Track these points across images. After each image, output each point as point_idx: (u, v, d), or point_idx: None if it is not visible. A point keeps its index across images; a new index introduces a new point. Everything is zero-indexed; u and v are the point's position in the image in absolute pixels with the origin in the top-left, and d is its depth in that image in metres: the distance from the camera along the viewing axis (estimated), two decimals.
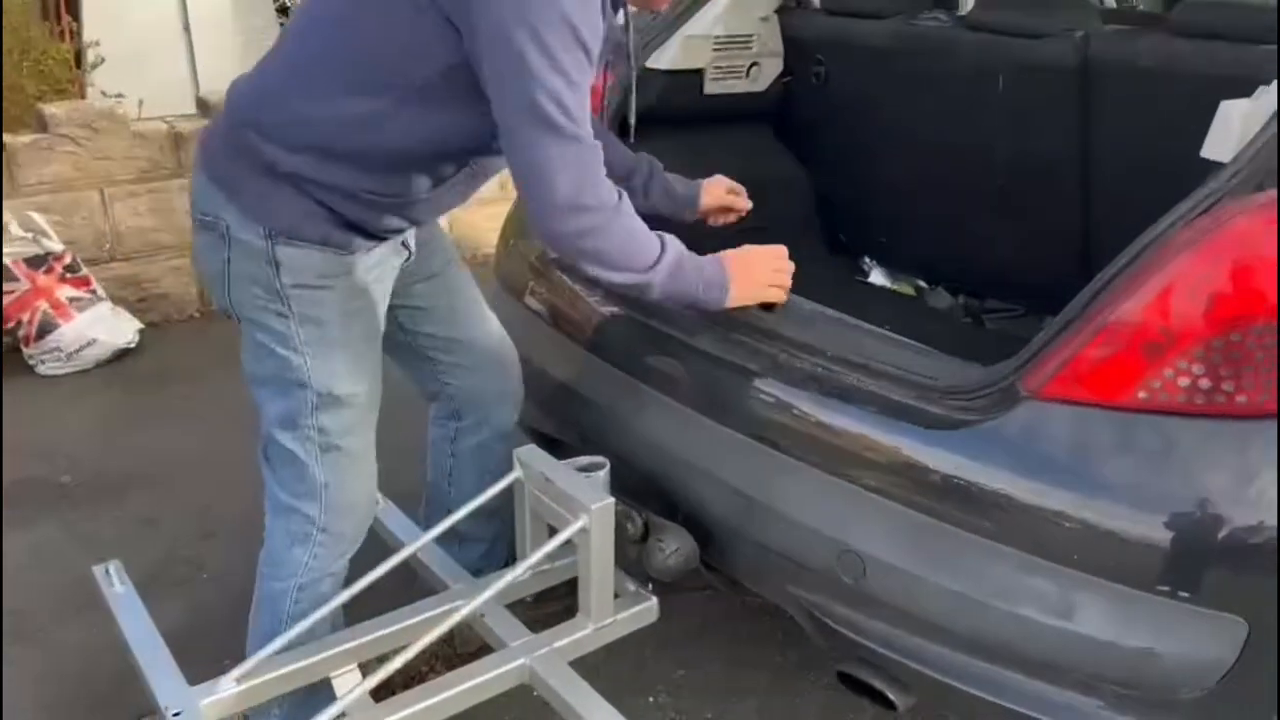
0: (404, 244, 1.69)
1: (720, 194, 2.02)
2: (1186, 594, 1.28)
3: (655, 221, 1.61)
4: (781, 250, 1.70)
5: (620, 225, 1.49)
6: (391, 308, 1.72)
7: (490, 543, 2.03)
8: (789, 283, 1.69)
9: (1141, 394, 1.29)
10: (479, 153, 1.56)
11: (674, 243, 1.56)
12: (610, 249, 1.49)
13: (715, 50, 2.41)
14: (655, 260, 1.53)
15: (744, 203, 2.04)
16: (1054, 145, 2.15)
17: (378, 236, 1.59)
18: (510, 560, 2.01)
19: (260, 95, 1.53)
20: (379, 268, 1.63)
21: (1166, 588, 1.29)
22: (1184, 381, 1.27)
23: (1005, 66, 2.16)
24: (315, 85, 1.48)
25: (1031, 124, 2.17)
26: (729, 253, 1.64)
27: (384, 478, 1.78)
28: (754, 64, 2.52)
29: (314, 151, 1.48)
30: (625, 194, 1.50)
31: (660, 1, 1.74)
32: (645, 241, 1.52)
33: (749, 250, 1.67)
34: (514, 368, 1.97)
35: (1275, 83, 1.39)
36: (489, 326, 1.93)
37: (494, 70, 1.36)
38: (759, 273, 1.66)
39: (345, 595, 1.61)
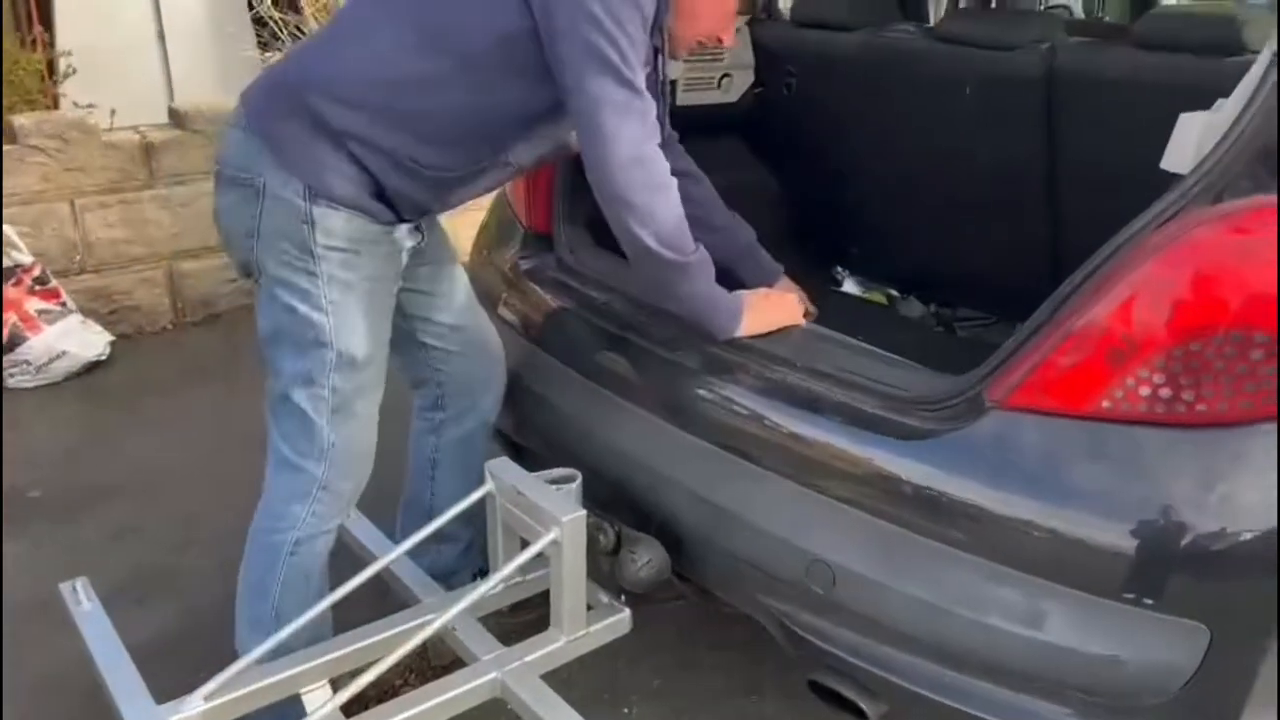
0: (418, 228, 1.75)
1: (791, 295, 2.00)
2: (1150, 601, 1.29)
3: None
4: (794, 301, 1.81)
5: (674, 196, 1.58)
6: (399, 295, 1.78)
7: (468, 543, 2.05)
8: (801, 321, 1.79)
9: (1105, 403, 1.30)
10: (522, 135, 1.65)
11: (705, 252, 1.65)
12: (664, 213, 1.57)
13: (686, 61, 2.42)
14: (695, 248, 1.62)
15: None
16: (1022, 155, 2.17)
17: (403, 217, 1.66)
18: (486, 564, 2.02)
19: (322, 54, 1.63)
20: (400, 246, 1.70)
21: (1131, 595, 1.30)
22: (1145, 390, 1.28)
23: (973, 77, 2.18)
24: (379, 44, 1.57)
25: (1000, 134, 2.20)
26: (748, 293, 1.76)
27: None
28: (725, 75, 2.53)
29: (370, 110, 1.55)
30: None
31: (726, 35, 1.78)
32: (685, 227, 1.60)
33: (768, 294, 1.81)
34: (501, 360, 2.02)
35: (1235, 94, 1.41)
36: (481, 318, 2.00)
37: (559, 26, 1.48)
38: (773, 318, 1.74)
39: (321, 606, 1.60)
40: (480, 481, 1.75)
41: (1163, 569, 1.29)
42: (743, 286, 1.83)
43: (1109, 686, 1.32)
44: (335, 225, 1.58)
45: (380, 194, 1.61)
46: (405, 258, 1.74)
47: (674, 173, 1.72)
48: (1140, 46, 1.93)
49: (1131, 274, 1.32)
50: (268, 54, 5.80)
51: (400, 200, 1.64)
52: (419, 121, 1.58)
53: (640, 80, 1.53)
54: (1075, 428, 1.32)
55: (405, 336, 1.89)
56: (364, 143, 1.56)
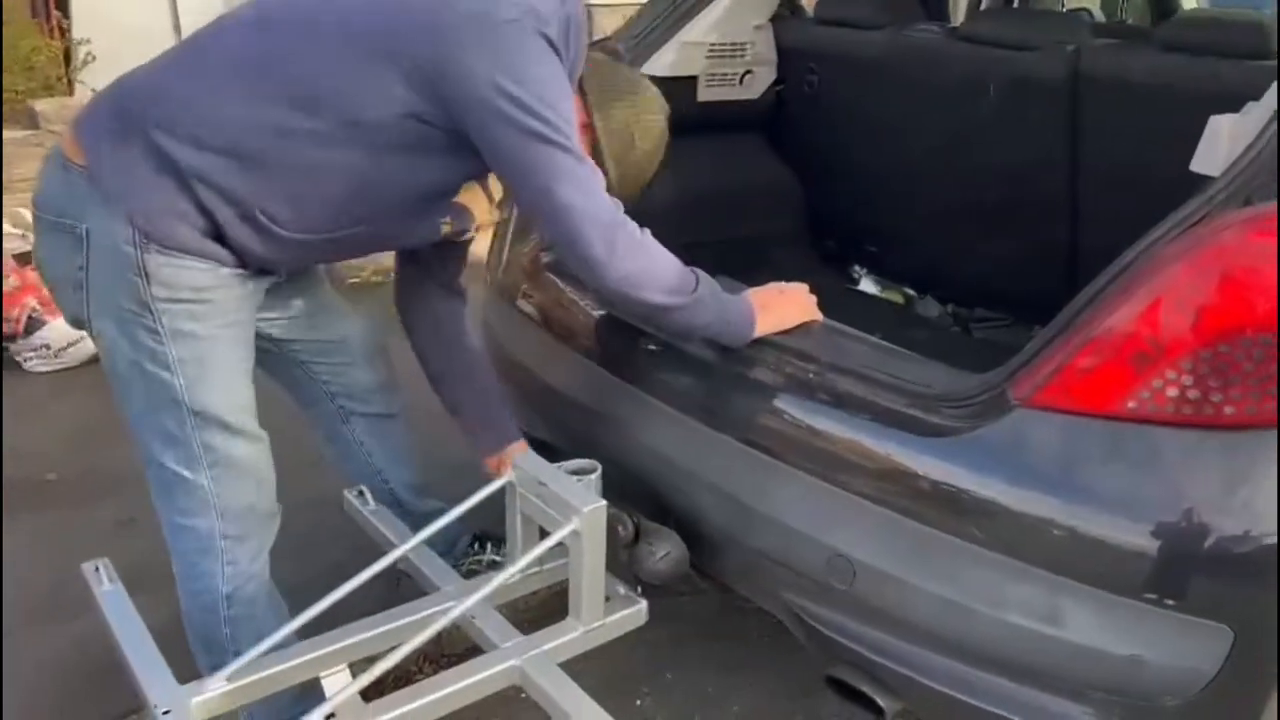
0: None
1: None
2: (1173, 602, 1.29)
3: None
4: (807, 296, 1.75)
5: (653, 248, 1.53)
6: (271, 343, 1.73)
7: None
8: (818, 315, 1.74)
9: (1130, 404, 1.30)
10: (394, 209, 1.55)
11: (702, 273, 1.60)
12: (653, 268, 1.51)
13: (709, 57, 2.43)
14: (695, 283, 1.56)
15: None
16: (1043, 157, 2.18)
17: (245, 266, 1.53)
18: (483, 531, 2.07)
19: (177, 89, 1.46)
20: (252, 281, 1.57)
21: (1153, 595, 1.30)
22: (1173, 392, 1.28)
23: (996, 78, 2.18)
24: (257, 86, 1.43)
25: (1021, 135, 2.20)
26: (757, 292, 1.70)
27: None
28: (748, 72, 2.53)
29: (227, 155, 1.42)
30: None
31: None
32: (678, 264, 1.55)
33: (775, 289, 1.73)
34: (384, 354, 1.96)
35: (1265, 98, 1.42)
36: (351, 322, 1.91)
37: (487, 114, 1.39)
38: (788, 315, 1.70)
39: (337, 594, 1.60)
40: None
41: (1187, 569, 1.29)
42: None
43: (1129, 686, 1.32)
44: (175, 275, 1.44)
45: (222, 240, 1.47)
46: (261, 295, 1.61)
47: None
48: (1166, 49, 1.93)
49: (1159, 276, 1.32)
50: None
51: (250, 254, 1.50)
52: (275, 173, 1.44)
53: (578, 147, 1.45)
54: (1100, 427, 1.32)
55: (283, 361, 1.82)
56: (214, 188, 1.42)
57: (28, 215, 3.42)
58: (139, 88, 1.48)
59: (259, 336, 1.66)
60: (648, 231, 1.54)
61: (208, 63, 1.49)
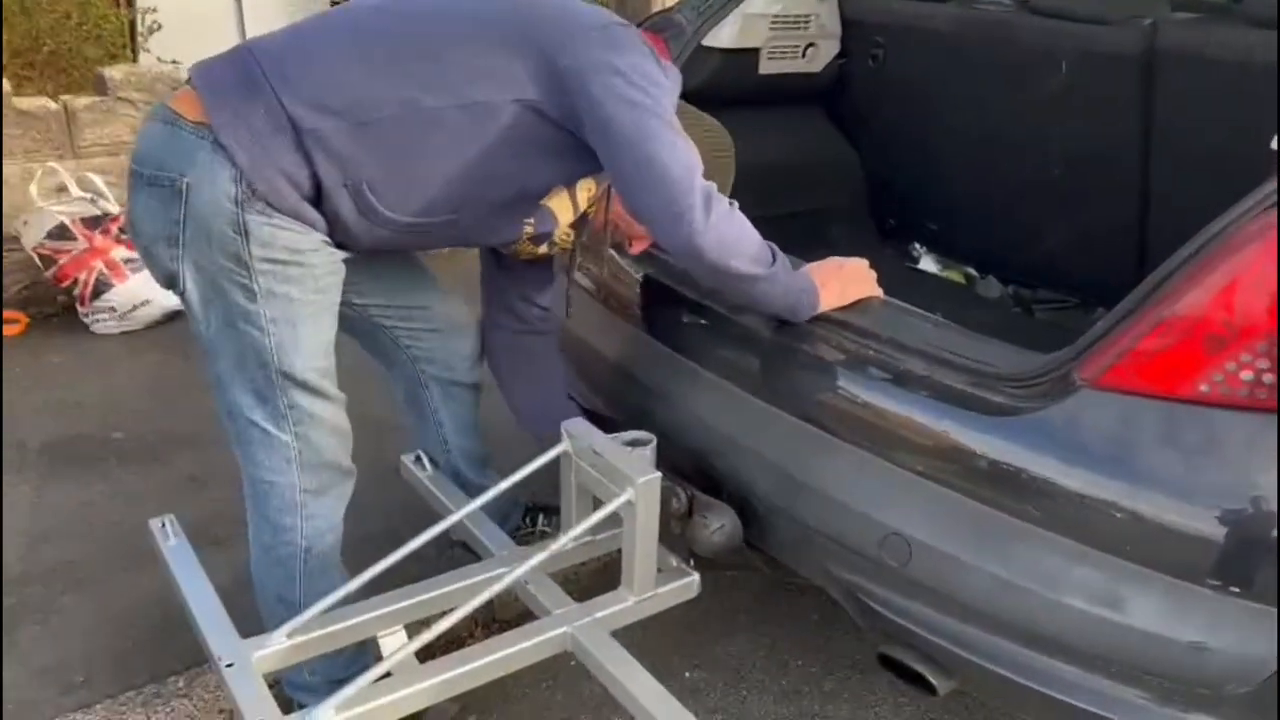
0: None
1: None
2: (1238, 589, 1.27)
3: None
4: (868, 272, 1.75)
5: (739, 215, 1.56)
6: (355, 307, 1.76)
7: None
8: (878, 292, 1.74)
9: (1202, 387, 1.27)
10: (487, 201, 1.59)
11: (775, 247, 1.62)
12: (741, 235, 1.55)
13: (772, 30, 2.39)
14: (773, 256, 1.60)
15: None
16: (1115, 135, 2.12)
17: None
18: (537, 501, 2.11)
19: (305, 56, 1.50)
20: (341, 259, 1.60)
21: (1218, 582, 1.28)
22: (1247, 375, 1.25)
23: (1068, 53, 2.12)
24: (372, 59, 1.49)
25: (1092, 113, 2.14)
26: (818, 267, 1.71)
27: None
28: (810, 45, 2.50)
29: (343, 117, 1.45)
30: None
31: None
32: (759, 236, 1.59)
33: (835, 264, 1.73)
34: (469, 325, 1.98)
35: None
36: (436, 289, 1.93)
37: (595, 88, 1.48)
38: (849, 291, 1.70)
39: (395, 556, 1.62)
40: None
41: (1253, 557, 1.26)
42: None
43: (1191, 673, 1.30)
44: (274, 235, 1.46)
45: (317, 207, 1.50)
46: (345, 268, 1.62)
47: None
48: (1249, 24, 1.86)
49: (1235, 257, 1.29)
50: None
51: (333, 224, 1.53)
52: (397, 150, 1.48)
53: (675, 120, 1.54)
54: (1169, 410, 1.30)
55: (364, 323, 1.85)
56: (327, 150, 1.45)
57: (97, 180, 3.50)
58: (266, 50, 1.52)
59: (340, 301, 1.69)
60: (735, 203, 1.57)
61: (337, 33, 1.56)
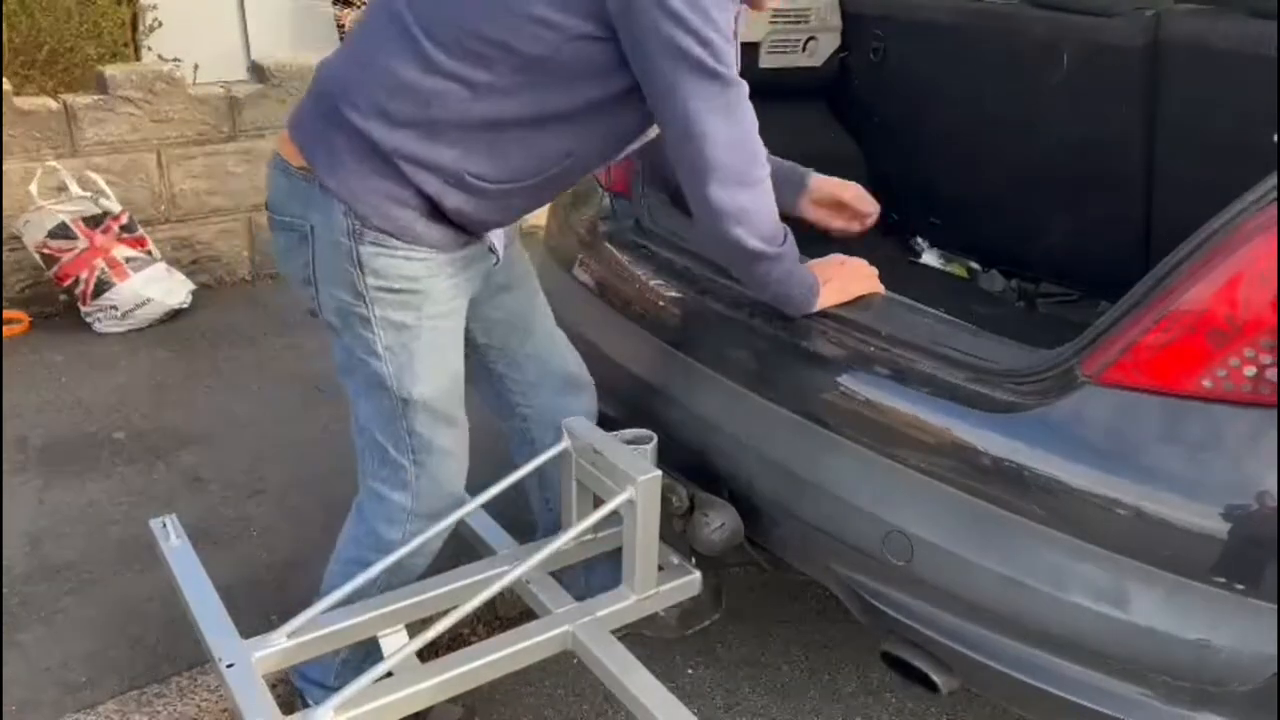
0: (491, 248, 1.64)
1: (833, 190, 1.89)
2: (1243, 586, 1.26)
3: None
4: (869, 269, 1.73)
5: (768, 188, 1.51)
6: (470, 323, 1.70)
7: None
8: (879, 289, 1.72)
9: (1205, 382, 1.26)
10: (585, 137, 1.51)
11: (788, 230, 1.58)
12: (759, 209, 1.50)
13: (772, 23, 2.38)
14: (784, 237, 1.55)
15: (867, 206, 1.92)
16: (1118, 127, 2.11)
17: (469, 232, 1.55)
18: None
19: (360, 70, 1.46)
20: (466, 270, 1.59)
21: (1222, 579, 1.27)
22: (1250, 371, 1.24)
23: (1071, 45, 2.11)
24: (423, 52, 1.41)
25: (1096, 105, 2.13)
26: (821, 263, 1.69)
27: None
28: (811, 38, 2.49)
29: (419, 126, 1.42)
30: None
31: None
32: (776, 215, 1.54)
33: (836, 260, 1.71)
34: (589, 389, 1.88)
35: None
36: (561, 346, 1.87)
37: (639, 28, 1.36)
38: (850, 288, 1.69)
39: (398, 554, 1.63)
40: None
41: (1258, 554, 1.25)
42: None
43: (1196, 671, 1.29)
44: (386, 265, 1.47)
45: (440, 216, 1.49)
46: (478, 283, 1.64)
47: None
48: (1253, 15, 1.85)
49: (1239, 252, 1.27)
50: (344, 10, 5.86)
51: (465, 216, 1.51)
52: (470, 134, 1.44)
53: (731, 69, 1.42)
54: (1173, 406, 1.29)
55: (478, 368, 1.80)
56: (415, 162, 1.43)
57: (98, 179, 3.50)
58: (329, 76, 1.50)
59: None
60: (768, 170, 1.52)
61: (377, 35, 1.47)
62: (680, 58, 1.38)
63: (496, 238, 1.64)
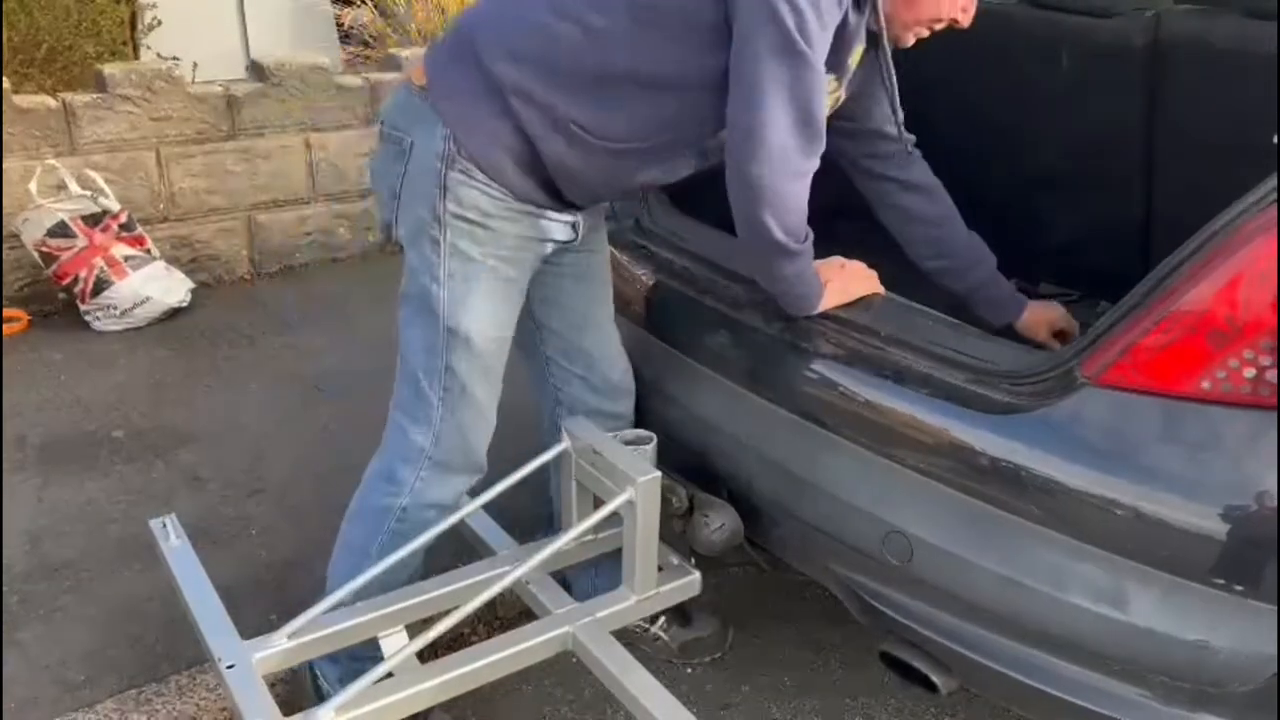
0: (573, 225, 1.66)
1: (1053, 318, 1.94)
2: (1242, 588, 1.26)
3: None
4: (867, 271, 1.73)
5: (808, 183, 1.50)
6: (534, 301, 1.74)
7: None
8: (880, 289, 1.72)
9: (1205, 383, 1.26)
10: (683, 111, 1.53)
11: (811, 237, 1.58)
12: (794, 202, 1.50)
13: None
14: (806, 236, 1.56)
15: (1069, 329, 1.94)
16: (1118, 128, 2.11)
17: (561, 201, 1.60)
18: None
19: (499, 9, 1.56)
20: (540, 231, 1.62)
21: (1221, 580, 1.27)
22: (1249, 372, 1.24)
23: (1070, 45, 2.11)
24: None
25: (1095, 105, 2.13)
26: (824, 264, 1.67)
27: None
28: None
29: (539, 66, 1.49)
30: None
31: (962, 18, 1.65)
32: (805, 213, 1.53)
33: (837, 263, 1.70)
34: (628, 397, 1.89)
35: None
36: (613, 350, 1.88)
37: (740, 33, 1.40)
38: (851, 288, 1.69)
39: (400, 554, 1.63)
40: None
41: (1257, 555, 1.25)
42: (979, 325, 1.72)
43: (1195, 672, 1.29)
44: (467, 195, 1.53)
45: (535, 166, 1.54)
46: (548, 249, 1.65)
47: (908, 187, 1.77)
48: (1252, 16, 1.85)
49: (1239, 253, 1.28)
50: (344, 9, 5.86)
51: (560, 175, 1.56)
52: (591, 80, 1.49)
53: (813, 50, 1.40)
54: (1173, 407, 1.29)
55: (530, 342, 1.83)
56: (530, 101, 1.49)
57: (97, 178, 3.49)
58: (470, 14, 1.60)
59: (524, 310, 1.72)
60: (813, 168, 1.51)
61: None
62: (768, 17, 1.38)
63: (580, 217, 1.67)
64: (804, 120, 1.45)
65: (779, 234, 1.51)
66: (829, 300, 1.66)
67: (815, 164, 1.51)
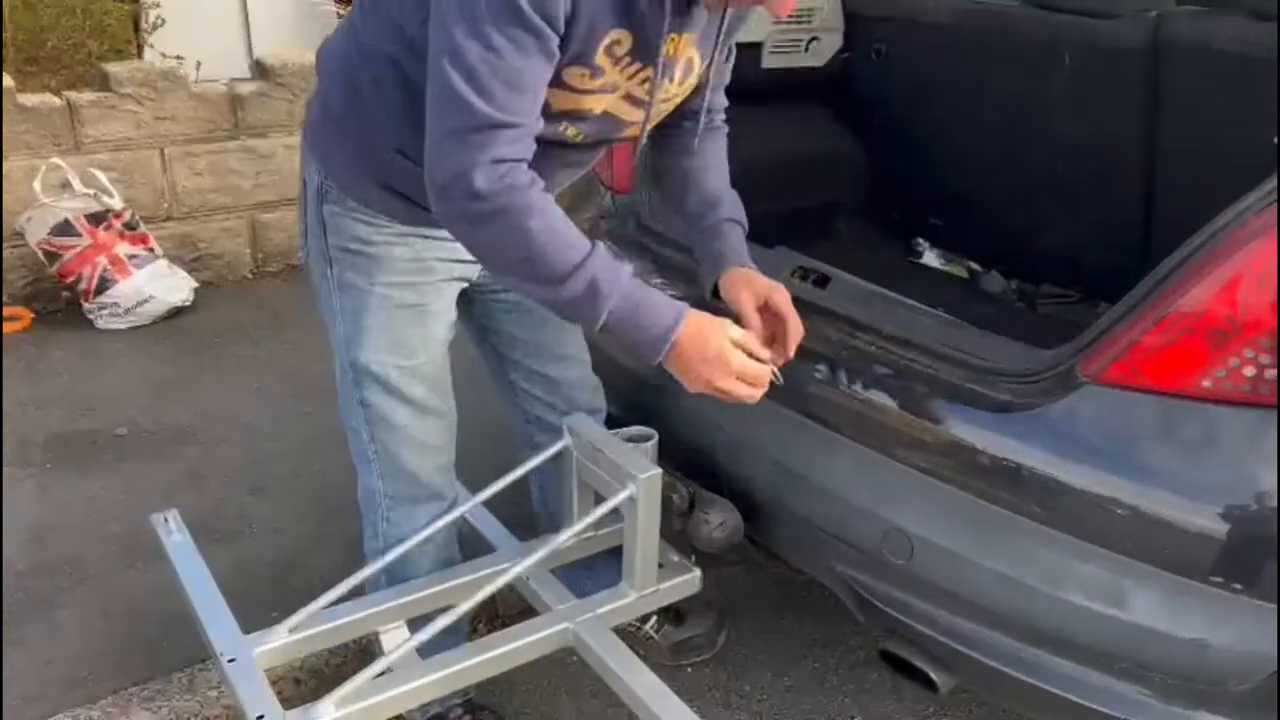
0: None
1: (758, 287, 1.55)
2: (1240, 586, 1.27)
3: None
4: (737, 357, 1.37)
5: (518, 225, 1.25)
6: (484, 329, 1.75)
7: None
8: (736, 394, 1.38)
9: (1205, 383, 1.27)
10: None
11: (603, 261, 1.29)
12: (497, 248, 1.29)
13: (774, 23, 2.39)
14: (568, 271, 1.26)
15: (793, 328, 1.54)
16: (1119, 129, 2.11)
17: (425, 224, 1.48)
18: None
19: (337, 40, 1.53)
20: (443, 255, 1.54)
21: (1220, 579, 1.27)
22: (1249, 371, 1.24)
23: (1072, 46, 2.12)
24: (357, 27, 1.46)
25: (1096, 107, 2.13)
26: (694, 321, 1.33)
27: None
28: (813, 38, 2.49)
29: (351, 94, 1.43)
30: (539, 184, 1.27)
31: (783, 6, 1.36)
32: (556, 249, 1.27)
33: (717, 347, 1.34)
34: (599, 417, 1.82)
35: None
36: (578, 373, 1.82)
37: (433, 10, 1.25)
38: (699, 373, 1.35)
39: (390, 556, 1.63)
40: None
41: (1255, 553, 1.26)
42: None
43: (1193, 670, 1.29)
44: (345, 226, 1.50)
45: (391, 189, 1.46)
46: (455, 270, 1.57)
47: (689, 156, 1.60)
48: (1254, 17, 1.85)
49: (1238, 253, 1.28)
50: (346, 8, 5.87)
51: (416, 199, 1.41)
52: (402, 109, 1.36)
53: (497, 96, 1.21)
54: (1172, 406, 1.29)
55: (497, 374, 1.83)
56: (360, 134, 1.44)
57: (101, 176, 3.50)
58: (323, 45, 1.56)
59: (486, 343, 1.75)
60: (536, 194, 1.26)
61: (353, 13, 1.51)
62: (435, 57, 1.24)
63: None
64: (466, 167, 1.24)
65: (514, 285, 1.51)
66: (671, 362, 1.34)
67: (495, 203, 1.24)
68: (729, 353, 1.35)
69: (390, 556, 1.65)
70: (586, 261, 1.27)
